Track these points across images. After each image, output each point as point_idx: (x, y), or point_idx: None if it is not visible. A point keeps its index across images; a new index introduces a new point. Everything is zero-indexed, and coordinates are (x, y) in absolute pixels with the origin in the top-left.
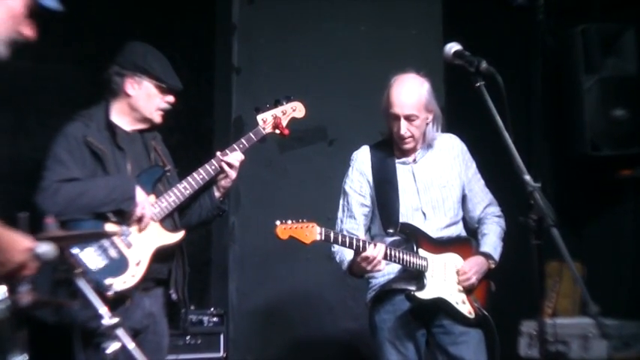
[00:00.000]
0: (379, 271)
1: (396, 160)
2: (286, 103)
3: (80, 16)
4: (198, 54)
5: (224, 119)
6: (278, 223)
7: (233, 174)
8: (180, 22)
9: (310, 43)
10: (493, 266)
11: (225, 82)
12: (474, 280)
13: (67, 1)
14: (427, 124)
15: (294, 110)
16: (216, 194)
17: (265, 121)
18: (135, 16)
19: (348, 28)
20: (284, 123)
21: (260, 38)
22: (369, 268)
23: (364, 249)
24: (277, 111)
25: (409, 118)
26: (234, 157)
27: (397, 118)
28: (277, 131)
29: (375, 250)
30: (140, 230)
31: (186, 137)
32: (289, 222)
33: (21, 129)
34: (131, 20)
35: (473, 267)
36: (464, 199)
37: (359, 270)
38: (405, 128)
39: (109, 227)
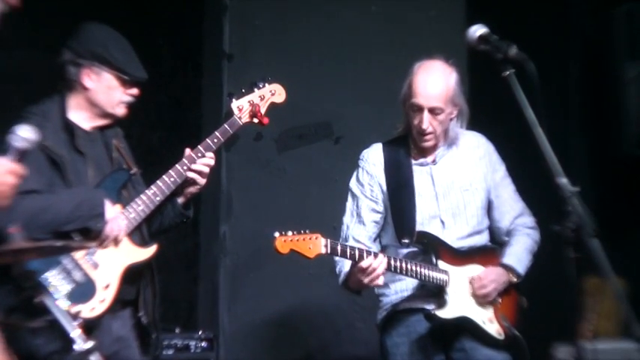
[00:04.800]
0: (378, 285)
1: (413, 161)
2: (264, 86)
3: None
4: (183, 38)
5: (213, 113)
6: (277, 235)
7: (202, 181)
8: (164, 1)
9: (312, 25)
10: (515, 280)
11: (215, 71)
12: (490, 289)
13: None
14: (451, 119)
15: (273, 94)
16: (179, 200)
17: (241, 109)
18: None
19: (357, 8)
20: (262, 110)
21: (255, 20)
22: (366, 280)
23: (362, 258)
24: (254, 96)
25: (433, 111)
26: (204, 162)
27: (420, 109)
28: (255, 120)
29: (376, 262)
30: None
31: (170, 134)
32: (290, 233)
33: None
34: (109, 1)
35: (490, 275)
36: (490, 206)
37: (355, 283)
38: (427, 122)
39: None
